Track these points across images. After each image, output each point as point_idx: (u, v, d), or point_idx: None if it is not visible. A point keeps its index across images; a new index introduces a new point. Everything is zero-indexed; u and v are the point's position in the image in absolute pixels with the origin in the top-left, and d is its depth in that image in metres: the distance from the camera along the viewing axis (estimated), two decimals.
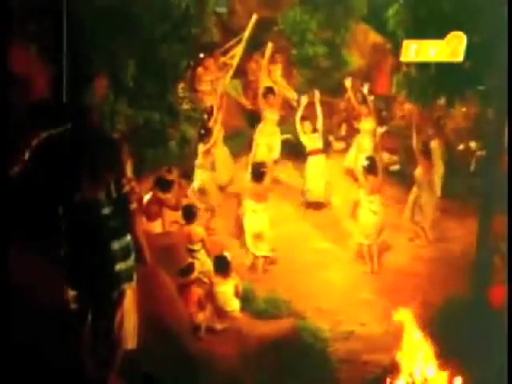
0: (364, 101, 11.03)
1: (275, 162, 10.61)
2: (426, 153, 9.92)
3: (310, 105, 10.92)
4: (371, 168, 9.25)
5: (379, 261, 9.39)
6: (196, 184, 9.64)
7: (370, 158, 9.48)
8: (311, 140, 10.60)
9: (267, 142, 11.00)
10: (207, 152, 9.68)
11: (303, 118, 10.71)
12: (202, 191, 9.63)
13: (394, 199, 10.60)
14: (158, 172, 8.20)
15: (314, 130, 10.63)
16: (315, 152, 10.60)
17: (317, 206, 10.51)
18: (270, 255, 9.27)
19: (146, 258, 4.93)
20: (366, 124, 11.07)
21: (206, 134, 9.72)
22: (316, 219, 10.38)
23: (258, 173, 9.27)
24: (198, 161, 9.69)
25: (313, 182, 10.50)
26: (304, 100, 10.90)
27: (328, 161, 10.91)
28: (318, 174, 10.53)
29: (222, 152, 10.48)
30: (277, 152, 11.06)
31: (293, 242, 9.83)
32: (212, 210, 9.67)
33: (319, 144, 10.64)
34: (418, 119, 10.48)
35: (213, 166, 9.88)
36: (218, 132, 10.00)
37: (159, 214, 8.20)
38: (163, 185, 8.06)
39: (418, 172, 9.79)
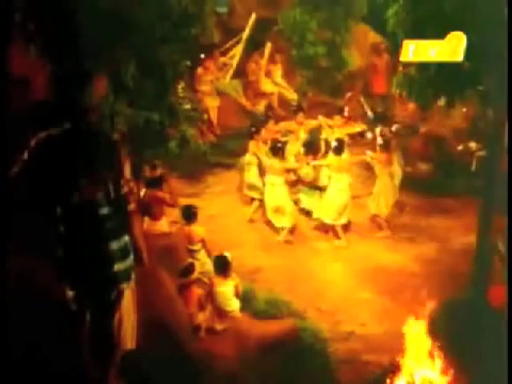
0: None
1: None
2: (386, 146, 10.26)
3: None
4: (339, 149, 9.97)
5: (380, 260, 9.43)
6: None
7: (339, 140, 10.15)
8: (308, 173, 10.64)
9: None
10: None
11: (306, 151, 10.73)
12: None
13: None
14: (143, 172, 8.28)
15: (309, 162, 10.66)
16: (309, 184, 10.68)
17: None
18: (288, 226, 9.87)
19: (144, 259, 4.92)
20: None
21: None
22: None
23: (277, 148, 10.08)
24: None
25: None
26: (303, 136, 11.01)
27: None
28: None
29: None
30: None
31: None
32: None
33: (309, 176, 10.64)
34: None
35: None
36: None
37: (162, 212, 8.26)
38: (152, 183, 8.16)
39: (378, 165, 10.21)
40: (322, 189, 10.46)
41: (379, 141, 10.39)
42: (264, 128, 10.76)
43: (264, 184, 10.24)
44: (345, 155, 10.15)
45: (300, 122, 11.25)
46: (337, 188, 10.03)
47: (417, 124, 12.43)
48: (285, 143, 10.69)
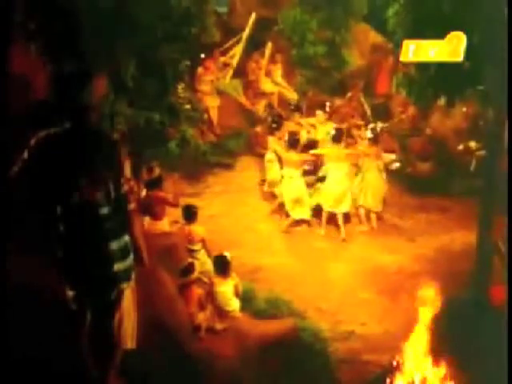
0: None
1: None
2: (375, 139, 10.43)
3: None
4: (338, 137, 10.33)
5: (380, 260, 9.43)
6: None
7: (338, 129, 10.54)
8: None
9: None
10: None
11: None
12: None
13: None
14: (141, 174, 8.29)
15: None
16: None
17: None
18: (307, 218, 10.16)
19: (144, 259, 4.92)
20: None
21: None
22: None
23: (293, 140, 10.33)
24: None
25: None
26: (304, 135, 11.04)
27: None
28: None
29: None
30: None
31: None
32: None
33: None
34: None
35: None
36: None
37: (164, 212, 8.27)
38: (152, 184, 8.16)
39: (366, 158, 10.42)
40: (322, 179, 10.62)
41: (368, 134, 10.55)
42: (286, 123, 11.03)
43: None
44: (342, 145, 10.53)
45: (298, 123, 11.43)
46: (335, 176, 10.24)
47: (417, 124, 12.43)
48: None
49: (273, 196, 10.72)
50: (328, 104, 12.13)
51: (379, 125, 11.30)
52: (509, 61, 6.62)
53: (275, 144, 10.70)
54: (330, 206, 10.23)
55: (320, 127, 11.44)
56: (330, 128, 11.11)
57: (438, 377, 6.33)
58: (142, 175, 8.39)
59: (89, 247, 4.52)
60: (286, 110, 12.60)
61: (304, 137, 10.95)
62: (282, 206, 10.36)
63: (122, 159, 4.64)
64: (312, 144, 10.94)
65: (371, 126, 11.12)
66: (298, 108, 11.77)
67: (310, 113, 12.22)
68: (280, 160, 10.59)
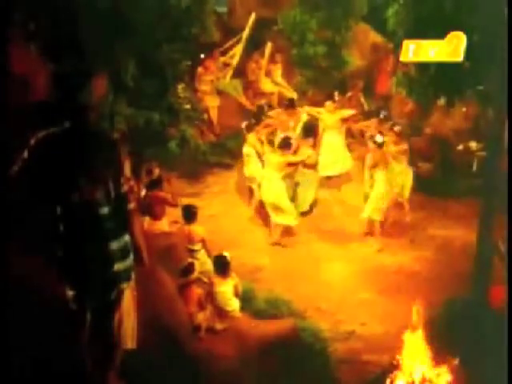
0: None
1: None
2: (380, 145, 10.14)
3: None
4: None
5: (380, 260, 9.43)
6: None
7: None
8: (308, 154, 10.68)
9: None
10: None
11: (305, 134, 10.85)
12: None
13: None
14: (140, 176, 8.30)
15: (313, 146, 10.72)
16: (310, 166, 10.68)
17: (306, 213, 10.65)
18: (285, 224, 9.82)
19: (144, 259, 4.91)
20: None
21: None
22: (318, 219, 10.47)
23: (286, 142, 10.10)
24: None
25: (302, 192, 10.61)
26: (304, 117, 11.02)
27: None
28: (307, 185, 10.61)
29: None
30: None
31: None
32: None
33: (311, 159, 10.68)
34: None
35: None
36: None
37: (164, 212, 8.28)
38: (152, 185, 8.17)
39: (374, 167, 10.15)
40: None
41: (378, 139, 10.11)
42: (263, 120, 10.93)
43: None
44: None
45: (290, 114, 11.40)
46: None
47: (417, 124, 12.43)
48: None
49: (251, 192, 10.51)
50: (336, 93, 12.19)
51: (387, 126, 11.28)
52: (509, 61, 6.62)
53: (255, 141, 10.45)
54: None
55: (328, 115, 11.38)
56: (339, 116, 11.29)
57: (437, 377, 6.32)
58: (141, 175, 8.40)
59: (89, 247, 4.52)
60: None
61: (279, 136, 10.81)
62: (262, 205, 10.09)
63: (121, 159, 4.64)
64: (312, 128, 11.01)
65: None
66: (292, 103, 11.70)
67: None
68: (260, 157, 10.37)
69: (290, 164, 10.05)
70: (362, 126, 12.11)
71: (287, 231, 9.95)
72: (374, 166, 10.04)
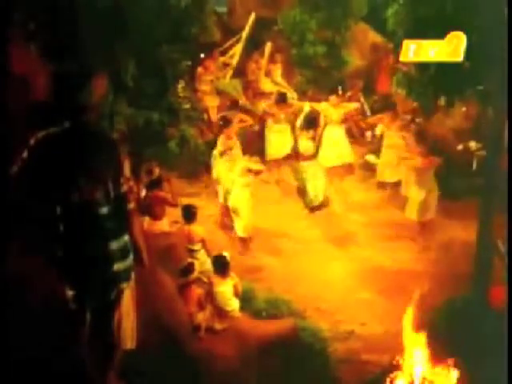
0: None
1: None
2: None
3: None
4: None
5: (380, 260, 9.43)
6: None
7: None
8: (308, 147, 10.82)
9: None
10: None
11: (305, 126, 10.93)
12: None
13: None
14: (140, 176, 8.30)
15: (313, 138, 10.85)
16: (309, 158, 10.82)
17: (318, 208, 10.69)
18: (242, 236, 9.43)
19: (144, 259, 4.91)
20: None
21: None
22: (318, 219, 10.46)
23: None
24: None
25: (312, 185, 10.65)
26: (306, 108, 11.02)
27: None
28: (315, 177, 10.68)
29: None
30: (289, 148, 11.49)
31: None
32: None
33: (309, 150, 10.88)
34: None
35: None
36: None
37: (164, 212, 8.28)
38: (152, 185, 8.17)
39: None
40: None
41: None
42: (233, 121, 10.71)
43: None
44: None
45: (281, 107, 11.59)
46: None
47: (417, 124, 12.41)
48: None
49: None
50: (340, 88, 12.26)
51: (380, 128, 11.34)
52: (509, 61, 6.62)
53: (224, 141, 10.10)
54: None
55: (332, 110, 11.43)
56: (343, 110, 11.38)
57: (437, 377, 6.32)
58: (141, 175, 8.40)
59: (88, 247, 4.52)
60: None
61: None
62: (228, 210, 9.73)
63: (121, 159, 4.65)
64: (313, 120, 11.13)
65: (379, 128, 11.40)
66: (282, 98, 11.74)
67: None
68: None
69: (251, 170, 9.55)
70: (374, 120, 12.21)
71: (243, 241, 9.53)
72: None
